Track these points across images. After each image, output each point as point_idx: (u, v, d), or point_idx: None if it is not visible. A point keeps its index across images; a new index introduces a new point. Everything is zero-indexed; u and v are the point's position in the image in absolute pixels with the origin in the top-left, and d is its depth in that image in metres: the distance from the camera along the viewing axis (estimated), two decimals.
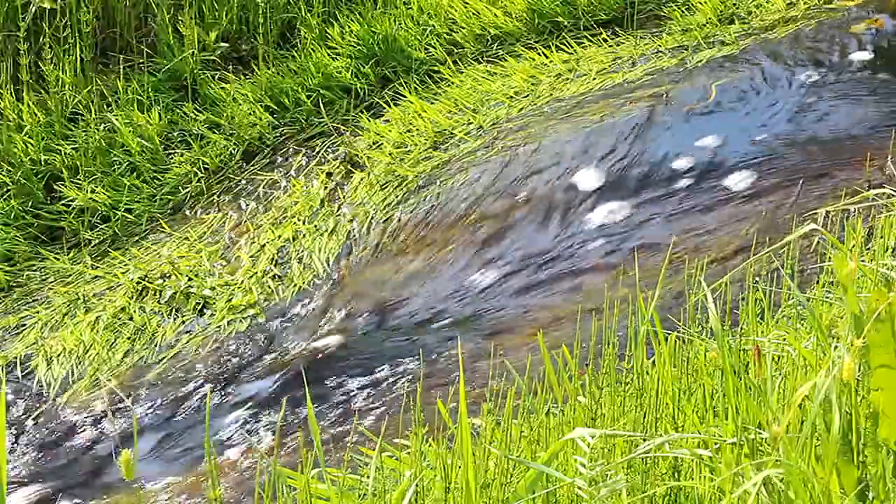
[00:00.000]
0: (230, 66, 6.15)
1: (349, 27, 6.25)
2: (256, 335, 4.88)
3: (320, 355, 4.74)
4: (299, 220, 5.40)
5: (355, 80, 6.07)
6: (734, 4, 6.48)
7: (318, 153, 5.77)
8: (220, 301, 5.01)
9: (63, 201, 5.45)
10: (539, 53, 6.24)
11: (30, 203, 5.43)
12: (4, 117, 5.58)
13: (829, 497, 1.95)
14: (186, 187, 5.60)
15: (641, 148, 5.54)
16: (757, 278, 2.98)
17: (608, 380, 2.70)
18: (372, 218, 5.37)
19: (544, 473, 2.22)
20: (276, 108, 5.95)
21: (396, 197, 5.46)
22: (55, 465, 4.41)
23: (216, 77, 6.04)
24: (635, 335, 2.65)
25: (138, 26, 6.14)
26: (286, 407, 4.48)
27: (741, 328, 2.71)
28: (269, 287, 5.07)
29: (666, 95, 5.86)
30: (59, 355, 4.80)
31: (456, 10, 6.40)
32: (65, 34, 5.71)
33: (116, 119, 5.68)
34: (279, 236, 5.31)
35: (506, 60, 6.21)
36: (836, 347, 2.09)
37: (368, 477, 2.55)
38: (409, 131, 5.81)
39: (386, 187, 5.51)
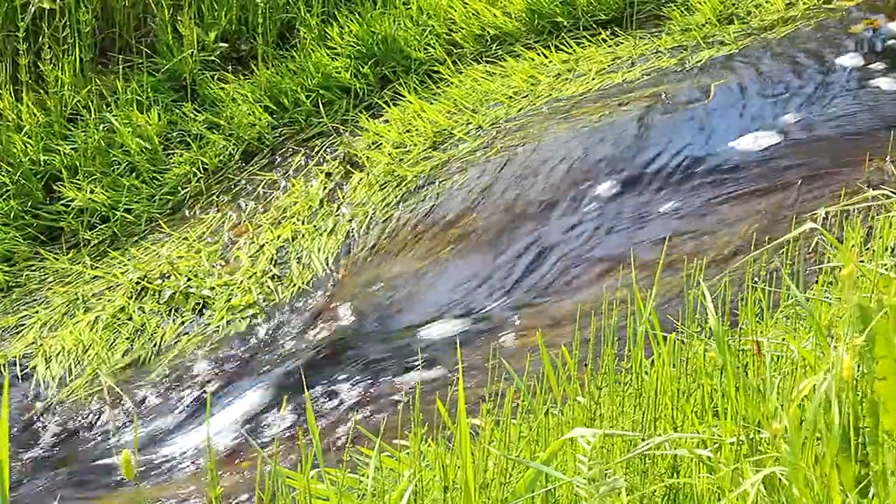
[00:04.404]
0: (229, 67, 6.15)
1: (348, 27, 6.25)
2: (255, 335, 4.88)
3: (320, 355, 4.74)
4: (298, 220, 5.40)
5: (354, 80, 6.07)
6: (733, 4, 6.48)
7: (317, 153, 5.77)
8: (220, 301, 5.01)
9: (62, 201, 5.44)
10: (538, 53, 6.24)
11: (29, 203, 5.43)
12: (4, 117, 5.58)
13: (830, 495, 1.95)
14: (186, 187, 5.60)
15: (640, 148, 5.54)
16: (756, 278, 2.98)
17: (607, 380, 2.70)
18: (371, 218, 5.37)
19: (543, 473, 2.22)
20: (275, 108, 5.95)
21: (396, 197, 5.46)
22: (55, 465, 4.41)
23: (215, 77, 6.04)
24: (634, 335, 2.65)
25: (137, 26, 6.14)
26: (285, 407, 4.48)
27: (740, 328, 2.71)
28: (269, 287, 5.07)
29: (665, 95, 5.86)
30: (58, 355, 4.80)
31: (455, 11, 6.40)
32: (64, 34, 5.71)
33: (116, 119, 5.68)
34: (278, 236, 5.31)
35: (505, 60, 6.21)
36: (835, 347, 2.09)
37: (367, 477, 2.55)
38: (408, 131, 5.81)
39: (385, 187, 5.51)
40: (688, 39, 6.27)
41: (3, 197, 5.42)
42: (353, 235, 5.31)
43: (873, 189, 4.00)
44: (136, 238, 5.39)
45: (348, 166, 5.65)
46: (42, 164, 5.53)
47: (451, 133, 5.79)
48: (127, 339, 4.87)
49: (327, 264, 5.17)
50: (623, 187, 5.34)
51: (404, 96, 5.97)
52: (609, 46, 6.29)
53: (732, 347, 2.50)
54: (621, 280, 4.60)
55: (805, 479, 1.96)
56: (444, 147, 5.72)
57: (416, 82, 6.08)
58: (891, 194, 2.94)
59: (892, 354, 1.94)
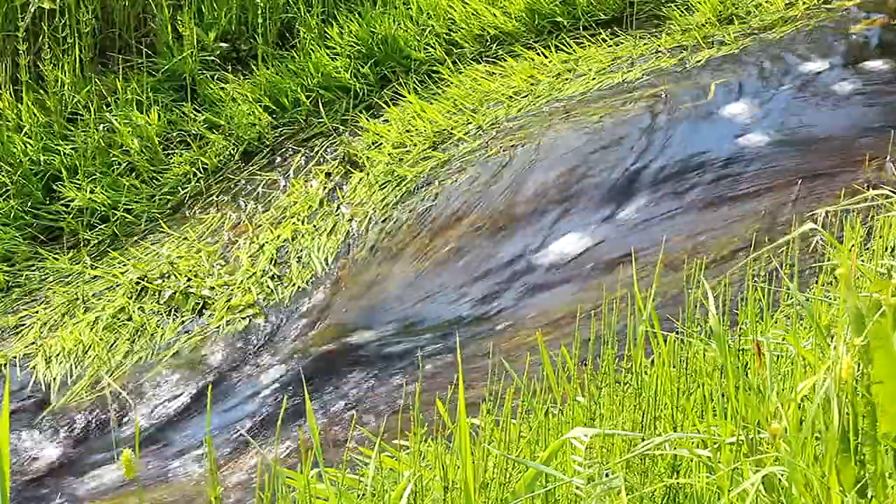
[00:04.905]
0: (229, 66, 6.15)
1: (348, 27, 6.25)
2: (255, 335, 4.88)
3: (319, 355, 4.74)
4: (298, 219, 5.40)
5: (354, 80, 6.07)
6: (733, 4, 6.48)
7: (317, 153, 5.76)
8: (220, 301, 5.01)
9: (62, 201, 5.44)
10: (538, 53, 6.24)
11: (29, 203, 5.43)
12: (4, 117, 5.58)
13: (829, 495, 1.95)
14: (185, 187, 5.60)
15: (639, 148, 5.54)
16: (756, 278, 2.98)
17: (607, 379, 2.70)
18: (371, 218, 5.37)
19: (543, 473, 2.22)
20: (275, 108, 5.95)
21: (395, 197, 5.46)
22: (54, 465, 4.41)
23: (215, 77, 6.04)
24: (633, 335, 2.65)
25: (137, 26, 6.14)
26: (285, 406, 4.48)
27: (740, 328, 2.71)
28: (268, 287, 5.07)
29: (665, 95, 5.86)
30: (58, 355, 4.80)
31: (455, 11, 6.40)
32: (64, 34, 5.71)
33: (115, 119, 5.68)
34: (278, 236, 5.31)
35: (505, 60, 6.21)
36: (835, 347, 2.09)
37: (367, 477, 2.55)
38: (408, 131, 5.81)
39: (385, 187, 5.51)
40: (687, 39, 6.27)
41: (3, 197, 5.42)
42: (352, 235, 5.31)
43: (873, 189, 4.01)
44: (136, 238, 5.39)
45: (348, 166, 5.65)
46: (42, 163, 5.53)
47: (450, 133, 5.79)
48: (127, 339, 4.87)
49: (327, 264, 5.17)
50: (622, 187, 5.34)
51: (404, 96, 5.97)
52: (609, 46, 6.29)
53: (732, 347, 2.50)
54: (620, 279, 4.60)
55: (804, 479, 1.96)
56: (443, 147, 5.72)
57: (416, 82, 6.08)
58: (890, 194, 2.94)
59: (890, 357, 1.94)
